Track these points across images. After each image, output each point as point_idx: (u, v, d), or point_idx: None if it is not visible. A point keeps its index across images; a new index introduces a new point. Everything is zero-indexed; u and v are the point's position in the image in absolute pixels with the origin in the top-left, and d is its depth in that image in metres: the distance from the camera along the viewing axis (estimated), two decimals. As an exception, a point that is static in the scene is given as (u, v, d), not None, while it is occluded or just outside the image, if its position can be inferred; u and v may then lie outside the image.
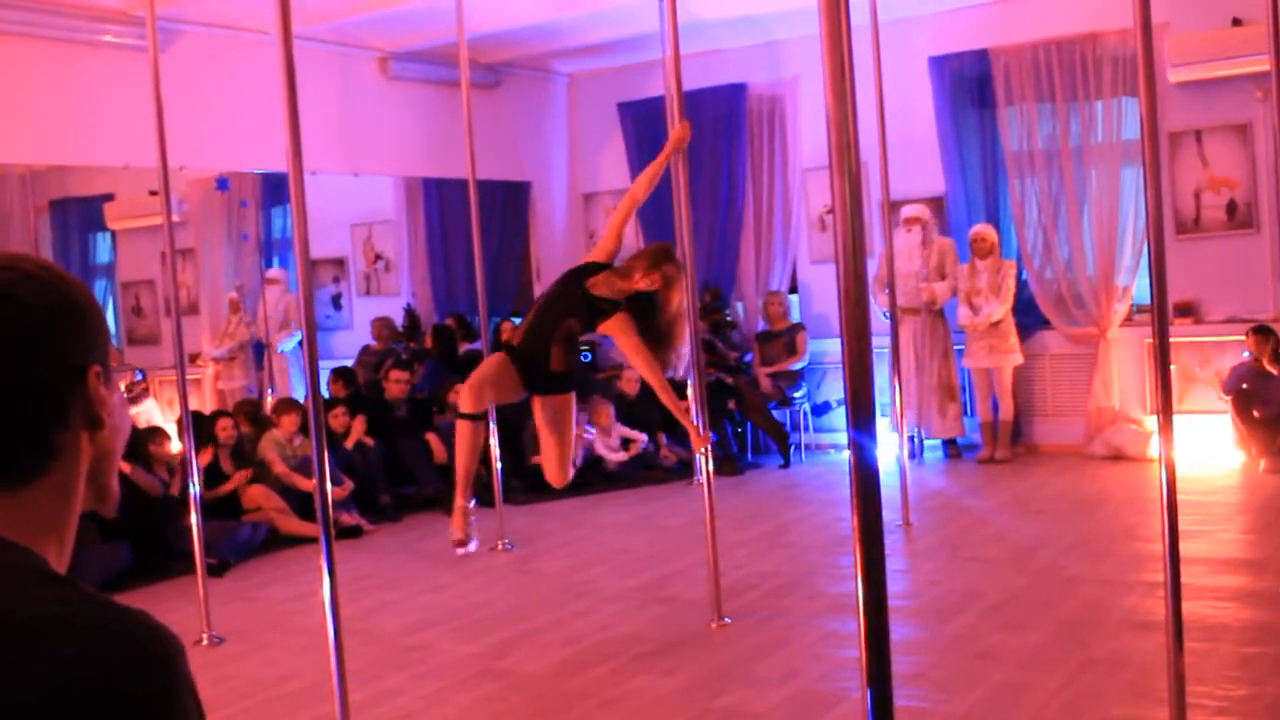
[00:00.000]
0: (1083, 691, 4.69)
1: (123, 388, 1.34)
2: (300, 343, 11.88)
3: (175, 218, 6.47)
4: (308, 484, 8.36)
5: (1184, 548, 3.75)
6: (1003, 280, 9.81)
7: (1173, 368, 3.75)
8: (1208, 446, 9.06)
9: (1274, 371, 8.74)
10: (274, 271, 12.15)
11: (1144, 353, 9.55)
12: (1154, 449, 8.75)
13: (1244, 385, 8.89)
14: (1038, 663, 5.05)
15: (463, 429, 5.79)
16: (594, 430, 9.97)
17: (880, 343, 6.58)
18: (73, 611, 1.06)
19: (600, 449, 9.91)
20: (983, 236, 9.89)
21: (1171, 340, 3.76)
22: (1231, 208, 9.41)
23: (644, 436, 10.05)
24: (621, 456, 9.92)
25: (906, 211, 10.07)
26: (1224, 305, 9.43)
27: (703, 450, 6.03)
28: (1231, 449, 9.05)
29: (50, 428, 1.17)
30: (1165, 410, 3.65)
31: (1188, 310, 9.42)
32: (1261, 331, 8.78)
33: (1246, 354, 8.95)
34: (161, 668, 1.05)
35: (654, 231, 11.57)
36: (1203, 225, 9.50)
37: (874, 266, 9.32)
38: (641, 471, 9.97)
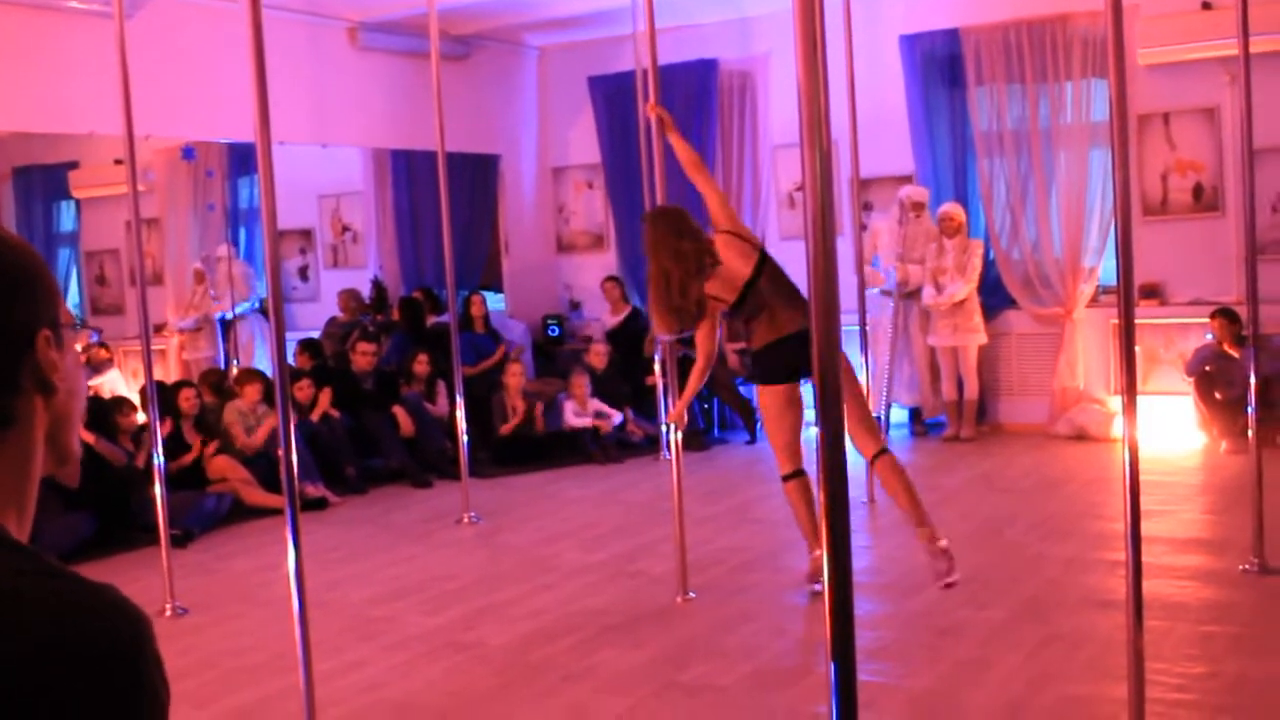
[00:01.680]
0: (1043, 668, 4.73)
1: (78, 349, 1.31)
2: (259, 310, 11.80)
3: (140, 187, 6.42)
4: (250, 441, 8.51)
5: (1145, 527, 3.78)
6: (969, 259, 9.85)
7: (1137, 349, 3.77)
8: (1170, 427, 9.14)
9: (1235, 354, 8.81)
10: (226, 248, 11.98)
11: (1109, 333, 9.61)
12: (1117, 429, 8.82)
13: (1207, 367, 8.96)
14: (999, 639, 5.09)
15: (786, 490, 5.82)
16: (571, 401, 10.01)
17: (849, 320, 6.61)
18: (37, 585, 1.05)
19: (571, 420, 9.90)
20: (950, 216, 9.92)
21: (1136, 322, 3.79)
22: (1198, 190, 9.47)
23: (618, 416, 10.04)
24: (588, 423, 9.90)
25: (916, 195, 10.06)
26: (1189, 287, 9.49)
27: (673, 424, 6.04)
28: (1194, 430, 9.13)
29: (1, 395, 1.15)
30: (1129, 391, 3.68)
31: (1153, 292, 9.49)
32: (1225, 314, 8.85)
33: (1210, 336, 9.02)
34: (128, 644, 1.04)
35: (623, 206, 11.56)
36: (1169, 207, 9.56)
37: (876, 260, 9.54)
38: (611, 448, 9.94)
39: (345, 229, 12.88)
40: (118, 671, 1.03)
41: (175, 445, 8.25)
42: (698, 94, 11.11)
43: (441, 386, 9.91)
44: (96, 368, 10.34)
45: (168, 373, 11.57)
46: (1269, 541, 5.78)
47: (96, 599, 1.05)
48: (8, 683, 0.98)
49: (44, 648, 1.00)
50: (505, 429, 9.82)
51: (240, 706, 4.82)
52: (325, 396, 9.23)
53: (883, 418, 10.29)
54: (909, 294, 10.19)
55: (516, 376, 9.97)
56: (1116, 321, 3.86)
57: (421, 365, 9.96)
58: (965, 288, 9.82)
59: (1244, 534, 6.02)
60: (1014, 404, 10.29)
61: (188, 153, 11.44)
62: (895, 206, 10.16)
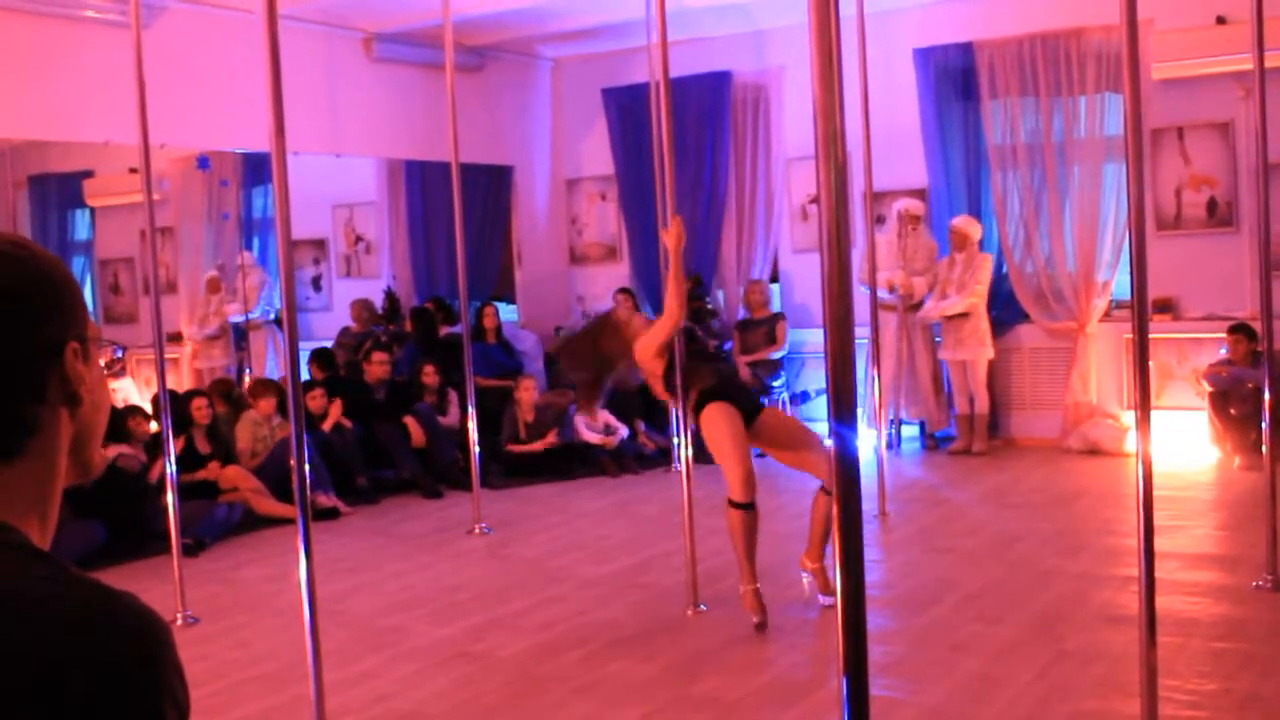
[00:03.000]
0: (1055, 684, 4.72)
1: (102, 364, 1.31)
2: (273, 320, 11.84)
3: (155, 196, 6.44)
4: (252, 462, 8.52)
5: (1158, 543, 3.77)
6: (973, 274, 9.82)
7: (1150, 364, 3.76)
8: (1183, 442, 9.11)
9: (1231, 359, 8.80)
10: (244, 255, 12.04)
11: (1122, 348, 9.59)
12: (1130, 444, 8.80)
13: (1223, 375, 8.93)
14: (1011, 655, 5.07)
15: (734, 519, 5.64)
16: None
17: (860, 334, 6.61)
18: (59, 592, 1.06)
19: (583, 432, 9.90)
20: (954, 229, 9.91)
21: (1150, 336, 3.78)
22: (1211, 205, 9.45)
23: (624, 431, 10.02)
24: (597, 439, 9.90)
25: (913, 208, 10.08)
26: (1202, 302, 9.47)
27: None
28: (1207, 445, 9.10)
29: (28, 405, 1.16)
30: (1143, 406, 3.67)
31: (1166, 307, 9.47)
32: (1242, 330, 8.82)
33: (1224, 351, 9.00)
34: (148, 650, 1.05)
35: (636, 218, 11.57)
36: (1183, 222, 9.54)
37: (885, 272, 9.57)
38: (626, 459, 9.92)
39: (359, 239, 12.91)
40: (139, 678, 1.03)
41: (187, 455, 8.26)
42: (711, 106, 11.12)
43: (453, 397, 9.92)
44: (112, 375, 10.36)
45: (180, 382, 11.59)
46: (1283, 558, 5.75)
47: (118, 606, 1.06)
48: (30, 689, 0.99)
49: (65, 654, 1.01)
50: (516, 449, 9.81)
51: (250, 716, 4.82)
52: (336, 408, 9.24)
53: (892, 433, 10.28)
54: (912, 306, 10.19)
55: (529, 391, 9.97)
56: (1130, 336, 3.86)
57: (430, 376, 9.96)
58: (963, 302, 9.80)
59: (1257, 550, 6.00)
60: (1026, 418, 10.26)
61: (203, 162, 11.48)
62: (894, 220, 10.17)
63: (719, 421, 5.70)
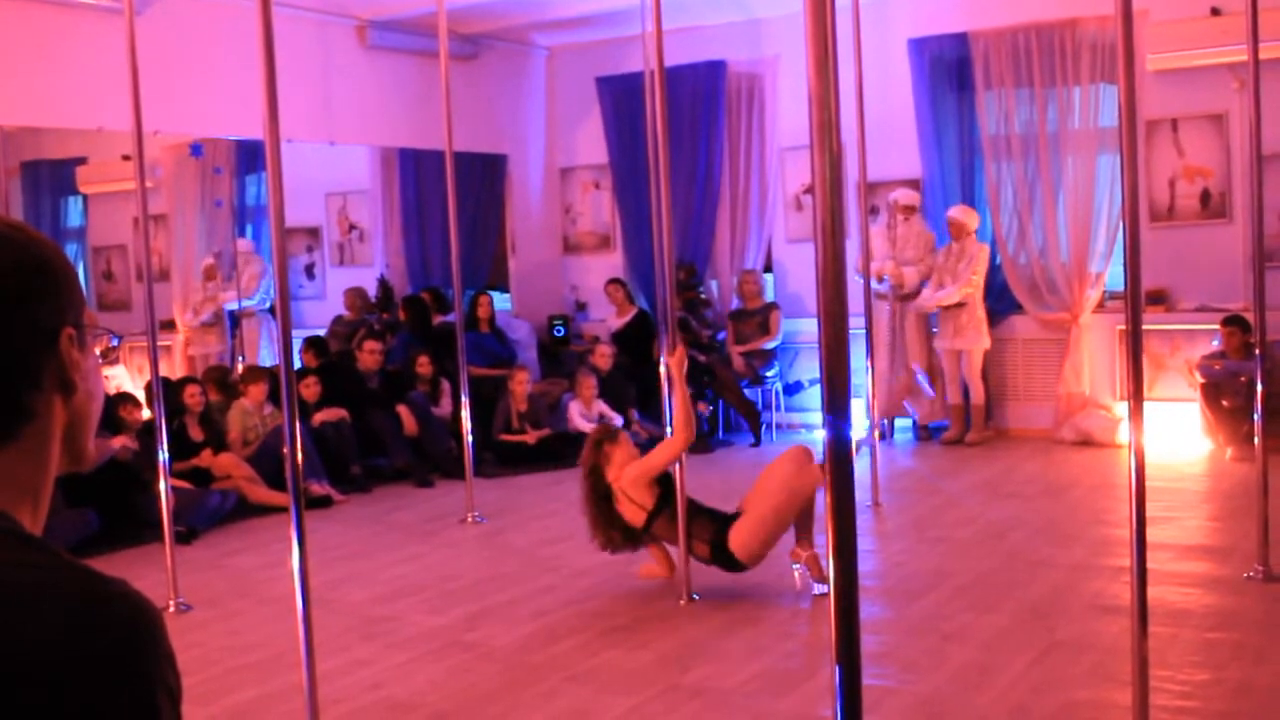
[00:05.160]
0: (1047, 673, 4.73)
1: (98, 352, 1.31)
2: (268, 309, 11.82)
3: (148, 183, 6.41)
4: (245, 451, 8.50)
5: (1150, 533, 3.78)
6: (968, 263, 9.82)
7: (1143, 355, 3.77)
8: (1176, 434, 9.13)
9: (1223, 352, 8.82)
10: (240, 243, 12.01)
11: (1115, 339, 9.60)
12: (1122, 435, 8.81)
13: (1216, 367, 8.95)
14: (1003, 644, 5.08)
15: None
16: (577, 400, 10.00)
17: (855, 324, 6.61)
18: (53, 579, 1.05)
19: (577, 420, 9.90)
20: (951, 219, 9.91)
21: (1143, 327, 3.78)
22: (1205, 197, 9.46)
23: (619, 419, 10.01)
24: (590, 428, 9.88)
25: (905, 198, 10.08)
26: (1195, 294, 9.48)
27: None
28: (1199, 437, 9.11)
29: (22, 390, 1.15)
30: (1136, 397, 3.67)
31: (1159, 298, 9.47)
32: (1236, 322, 8.82)
33: (1216, 343, 9.01)
34: (141, 638, 1.04)
35: (630, 208, 11.56)
36: (1176, 214, 9.55)
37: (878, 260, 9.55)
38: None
39: (352, 227, 12.88)
40: (131, 666, 1.03)
41: (180, 442, 8.24)
42: (706, 95, 11.11)
43: (446, 386, 9.90)
44: (107, 363, 10.32)
45: (173, 369, 11.57)
46: (1273, 548, 5.77)
47: (110, 593, 1.06)
48: (20, 676, 0.98)
49: (57, 641, 1.00)
50: (509, 438, 9.81)
51: (243, 704, 4.82)
52: (331, 412, 9.20)
53: (885, 423, 10.28)
54: (904, 296, 10.19)
55: (523, 384, 9.96)
56: (1123, 327, 3.86)
57: (423, 366, 9.95)
58: (959, 291, 9.80)
59: (1248, 541, 6.01)
60: (1019, 409, 10.28)
61: (196, 149, 11.44)
62: (884, 210, 10.17)
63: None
